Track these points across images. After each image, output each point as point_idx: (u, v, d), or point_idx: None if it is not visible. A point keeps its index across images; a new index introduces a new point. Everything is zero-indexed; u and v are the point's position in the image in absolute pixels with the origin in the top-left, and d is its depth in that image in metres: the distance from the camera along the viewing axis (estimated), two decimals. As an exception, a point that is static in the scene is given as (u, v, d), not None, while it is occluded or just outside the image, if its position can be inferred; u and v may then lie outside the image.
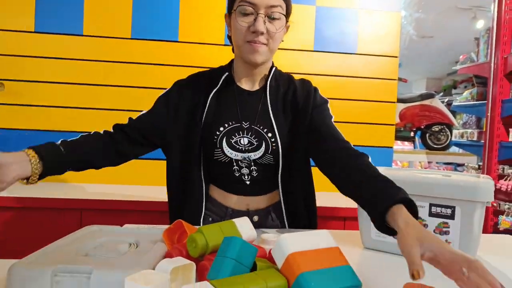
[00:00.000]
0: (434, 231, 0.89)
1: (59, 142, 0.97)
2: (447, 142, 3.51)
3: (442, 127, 3.54)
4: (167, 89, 1.13)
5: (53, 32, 1.91)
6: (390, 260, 0.89)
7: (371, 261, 0.82)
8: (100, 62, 1.94)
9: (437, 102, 3.54)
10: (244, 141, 1.04)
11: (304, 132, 1.07)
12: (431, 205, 0.90)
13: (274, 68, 1.11)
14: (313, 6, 1.99)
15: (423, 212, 0.90)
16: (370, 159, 0.94)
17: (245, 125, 1.05)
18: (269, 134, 1.05)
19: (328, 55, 2.03)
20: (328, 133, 1.05)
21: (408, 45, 5.82)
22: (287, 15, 1.04)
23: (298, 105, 1.08)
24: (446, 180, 0.89)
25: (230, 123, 1.05)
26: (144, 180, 1.94)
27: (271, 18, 0.98)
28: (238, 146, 1.04)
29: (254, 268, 0.61)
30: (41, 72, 1.91)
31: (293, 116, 1.09)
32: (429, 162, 3.79)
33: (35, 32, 1.90)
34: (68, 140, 1.00)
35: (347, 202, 1.40)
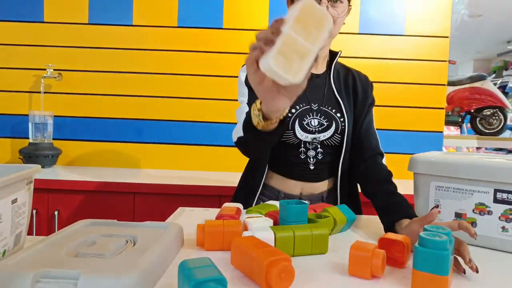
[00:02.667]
0: (499, 218, 0.85)
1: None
2: (501, 126, 3.31)
3: (494, 110, 3.35)
4: (243, 73, 1.09)
5: (105, 23, 1.99)
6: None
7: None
8: (149, 51, 2.00)
9: (489, 84, 3.35)
10: (315, 122, 1.06)
11: (360, 123, 1.12)
12: (496, 190, 0.86)
13: (339, 53, 1.15)
14: (359, -13, 1.94)
15: (487, 198, 0.87)
16: (392, 176, 1.03)
17: (314, 107, 1.08)
18: (338, 114, 1.08)
19: (374, 37, 1.98)
20: (367, 135, 1.12)
21: (458, 26, 5.52)
22: None
23: (357, 95, 1.13)
24: (513, 165, 0.84)
25: (301, 105, 1.07)
26: (191, 165, 2.00)
27: (334, 2, 0.98)
28: (309, 128, 1.06)
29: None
30: (94, 62, 2.01)
31: (354, 103, 1.13)
32: (477, 148, 3.62)
33: (89, 24, 1.99)
34: None
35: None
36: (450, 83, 3.41)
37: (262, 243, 0.64)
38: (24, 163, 1.85)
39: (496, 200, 0.86)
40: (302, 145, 1.07)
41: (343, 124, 1.07)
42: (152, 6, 1.99)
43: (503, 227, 0.85)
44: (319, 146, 1.07)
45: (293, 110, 1.06)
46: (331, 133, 1.06)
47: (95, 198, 1.61)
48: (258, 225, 0.76)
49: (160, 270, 0.64)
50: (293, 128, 1.05)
